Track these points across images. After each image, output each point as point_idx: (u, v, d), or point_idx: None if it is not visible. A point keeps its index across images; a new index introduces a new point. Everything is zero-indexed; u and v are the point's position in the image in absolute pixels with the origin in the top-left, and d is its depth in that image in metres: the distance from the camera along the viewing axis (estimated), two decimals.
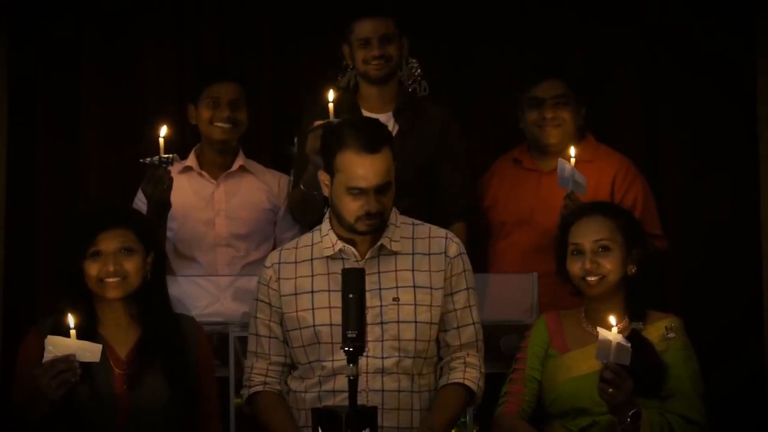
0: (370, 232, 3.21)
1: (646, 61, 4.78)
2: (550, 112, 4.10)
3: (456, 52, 4.85)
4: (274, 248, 4.12)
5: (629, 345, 3.02)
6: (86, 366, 2.98)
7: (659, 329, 3.35)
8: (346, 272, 2.85)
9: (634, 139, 4.74)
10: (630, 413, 3.08)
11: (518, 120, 4.22)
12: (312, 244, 3.31)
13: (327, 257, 3.26)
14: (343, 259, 3.25)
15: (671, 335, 3.34)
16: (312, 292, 3.25)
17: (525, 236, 4.09)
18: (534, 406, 3.41)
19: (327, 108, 3.69)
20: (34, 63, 4.75)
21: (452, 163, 4.08)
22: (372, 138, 3.16)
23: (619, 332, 3.04)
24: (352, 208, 3.18)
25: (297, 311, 3.25)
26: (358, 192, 3.16)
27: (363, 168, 3.14)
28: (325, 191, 3.26)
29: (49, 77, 4.75)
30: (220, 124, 4.11)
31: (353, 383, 2.76)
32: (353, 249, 3.24)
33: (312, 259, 3.28)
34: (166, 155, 3.74)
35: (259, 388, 3.30)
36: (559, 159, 3.86)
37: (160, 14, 4.81)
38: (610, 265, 3.36)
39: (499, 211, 4.18)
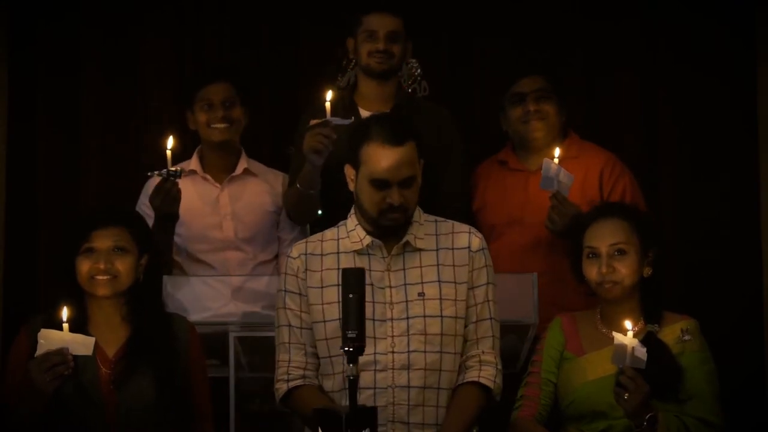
0: (393, 227, 3.22)
1: (646, 61, 4.78)
2: (533, 105, 4.10)
3: (456, 52, 4.84)
4: (279, 249, 4.14)
5: (645, 349, 3.01)
6: (74, 364, 2.97)
7: (675, 331, 3.33)
8: (345, 272, 2.86)
9: (634, 139, 4.74)
10: (646, 417, 3.07)
11: (500, 123, 4.21)
12: (338, 239, 3.32)
13: (354, 252, 3.27)
14: (369, 254, 3.26)
15: (687, 337, 3.33)
16: (338, 285, 3.19)
17: (517, 236, 4.07)
18: (550, 410, 3.40)
19: (324, 107, 3.70)
20: (34, 63, 4.75)
21: (450, 163, 4.07)
22: (397, 130, 3.19)
23: (634, 335, 3.03)
24: (375, 200, 3.19)
25: (323, 303, 3.25)
26: (382, 184, 3.17)
27: (387, 160, 3.16)
28: (351, 186, 3.27)
29: (49, 77, 4.75)
30: (216, 125, 4.10)
31: (353, 383, 2.77)
32: (381, 244, 3.25)
33: (338, 253, 3.29)
34: (174, 168, 3.75)
35: (300, 382, 3.25)
36: (545, 159, 3.86)
37: (160, 14, 4.81)
38: (626, 269, 3.34)
39: (488, 214, 4.16)
